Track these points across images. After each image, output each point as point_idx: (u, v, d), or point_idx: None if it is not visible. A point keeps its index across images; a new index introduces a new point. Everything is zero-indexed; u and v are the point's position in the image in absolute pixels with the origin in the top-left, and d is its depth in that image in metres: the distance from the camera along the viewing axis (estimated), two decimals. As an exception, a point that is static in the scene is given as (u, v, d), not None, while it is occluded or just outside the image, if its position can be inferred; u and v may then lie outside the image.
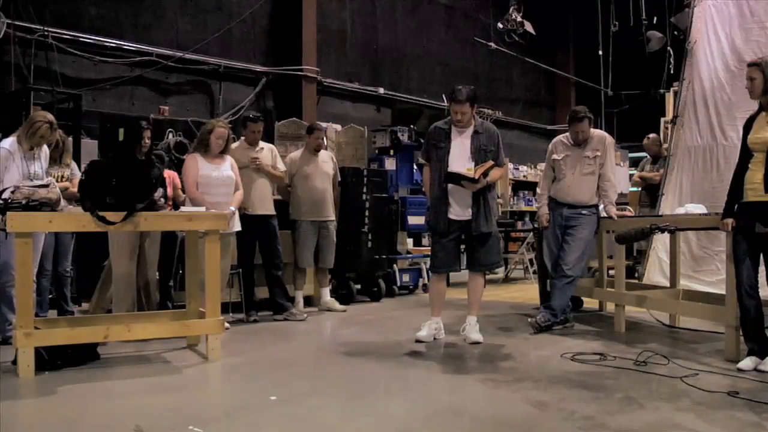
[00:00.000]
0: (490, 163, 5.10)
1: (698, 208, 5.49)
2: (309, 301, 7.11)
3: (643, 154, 8.90)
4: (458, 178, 5.06)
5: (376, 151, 9.53)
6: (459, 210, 5.16)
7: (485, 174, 5.05)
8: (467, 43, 13.68)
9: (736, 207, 4.37)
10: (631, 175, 11.03)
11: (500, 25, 11.96)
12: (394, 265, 8.18)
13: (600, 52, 12.61)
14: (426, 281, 8.35)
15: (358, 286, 7.88)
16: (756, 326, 4.26)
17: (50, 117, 5.18)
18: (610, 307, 6.37)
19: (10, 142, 5.04)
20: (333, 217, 6.94)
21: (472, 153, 5.14)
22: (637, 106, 13.72)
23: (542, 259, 6.46)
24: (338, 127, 9.89)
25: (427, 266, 7.63)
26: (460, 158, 5.13)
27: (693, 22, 7.21)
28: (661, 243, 6.93)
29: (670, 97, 8.84)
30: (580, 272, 5.88)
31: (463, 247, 5.46)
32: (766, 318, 4.32)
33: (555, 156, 5.96)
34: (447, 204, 5.17)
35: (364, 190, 7.64)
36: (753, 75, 4.30)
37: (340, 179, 7.22)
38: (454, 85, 5.26)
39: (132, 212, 4.35)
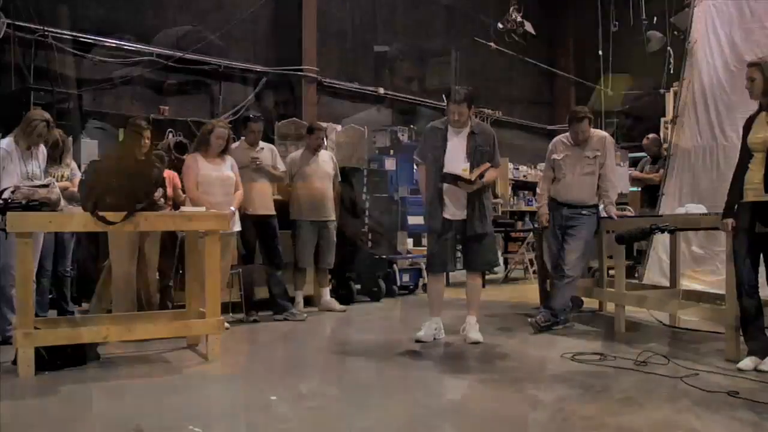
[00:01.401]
0: (487, 165, 5.11)
1: (698, 208, 5.49)
2: (309, 301, 7.10)
3: (643, 154, 8.89)
4: (454, 179, 5.07)
5: (376, 151, 9.53)
6: (454, 210, 5.17)
7: (481, 175, 5.06)
8: (467, 43, 13.67)
9: (736, 207, 4.37)
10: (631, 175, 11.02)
11: (500, 25, 11.95)
12: (394, 265, 8.17)
13: (600, 52, 12.60)
14: (426, 281, 8.34)
15: (358, 286, 7.87)
16: (756, 326, 4.26)
17: (47, 115, 5.17)
18: (610, 307, 6.36)
19: (7, 142, 5.02)
20: (333, 217, 6.94)
21: (468, 153, 5.14)
22: (637, 106, 13.69)
23: (542, 259, 6.46)
24: (338, 127, 9.89)
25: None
26: (456, 158, 5.13)
27: (693, 22, 7.20)
28: (661, 243, 6.92)
29: (670, 97, 8.83)
30: (580, 272, 5.87)
31: (460, 247, 5.46)
32: (766, 318, 4.32)
33: (555, 156, 5.96)
34: (442, 203, 5.18)
35: (364, 190, 7.64)
36: (753, 75, 4.30)
37: (340, 179, 7.22)
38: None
39: (132, 212, 4.35)
